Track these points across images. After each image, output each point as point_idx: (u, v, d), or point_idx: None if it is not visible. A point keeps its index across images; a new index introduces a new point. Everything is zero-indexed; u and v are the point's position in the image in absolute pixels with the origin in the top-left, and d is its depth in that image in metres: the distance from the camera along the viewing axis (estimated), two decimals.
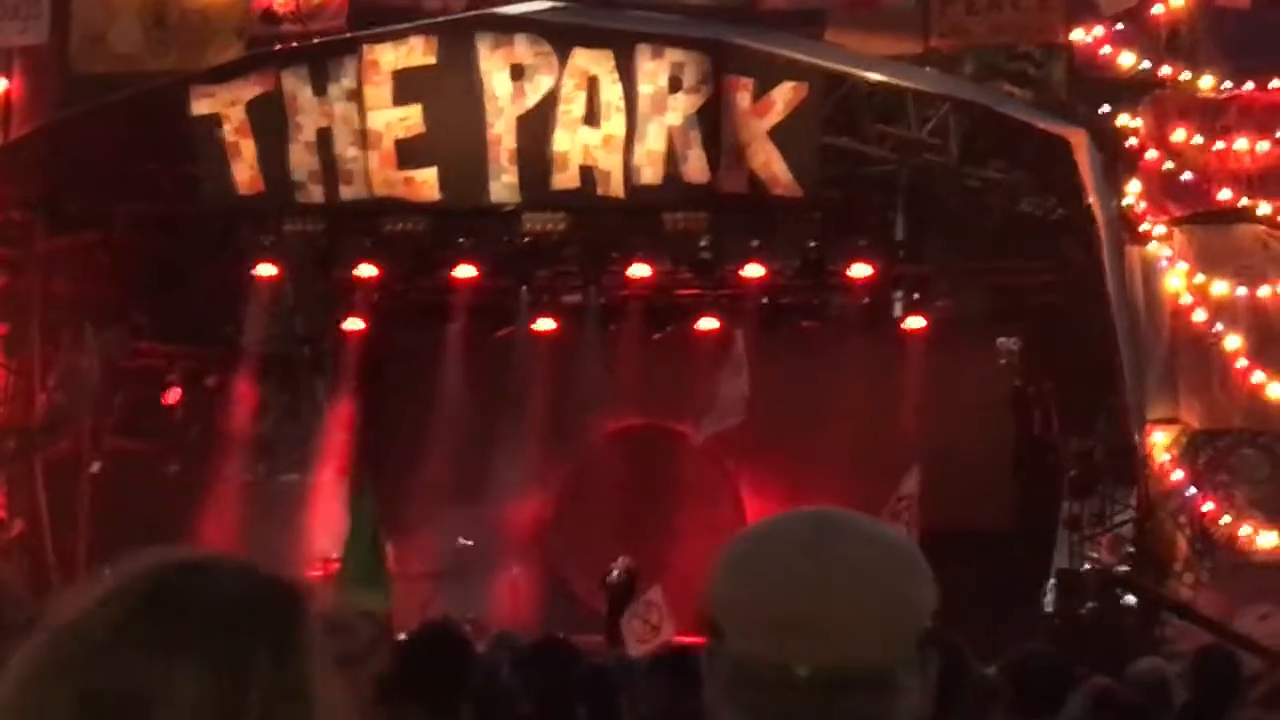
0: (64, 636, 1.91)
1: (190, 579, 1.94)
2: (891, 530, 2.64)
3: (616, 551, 22.70)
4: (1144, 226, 22.51)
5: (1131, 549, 22.21)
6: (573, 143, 21.50)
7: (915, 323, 23.32)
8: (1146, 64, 22.62)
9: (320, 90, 21.96)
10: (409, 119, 21.70)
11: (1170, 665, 11.79)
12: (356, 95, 21.80)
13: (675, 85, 21.26)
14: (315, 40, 23.26)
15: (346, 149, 21.87)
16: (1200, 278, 22.38)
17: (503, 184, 21.69)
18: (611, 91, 21.38)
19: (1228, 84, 22.56)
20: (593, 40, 21.63)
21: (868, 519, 2.62)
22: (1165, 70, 22.60)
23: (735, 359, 23.43)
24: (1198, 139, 22.45)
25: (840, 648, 2.42)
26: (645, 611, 21.56)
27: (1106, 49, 22.73)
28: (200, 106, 22.19)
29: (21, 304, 23.53)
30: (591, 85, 21.42)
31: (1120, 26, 22.72)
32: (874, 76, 21.81)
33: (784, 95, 20.95)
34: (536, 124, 21.50)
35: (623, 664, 12.47)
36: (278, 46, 23.43)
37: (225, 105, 22.14)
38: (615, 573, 22.37)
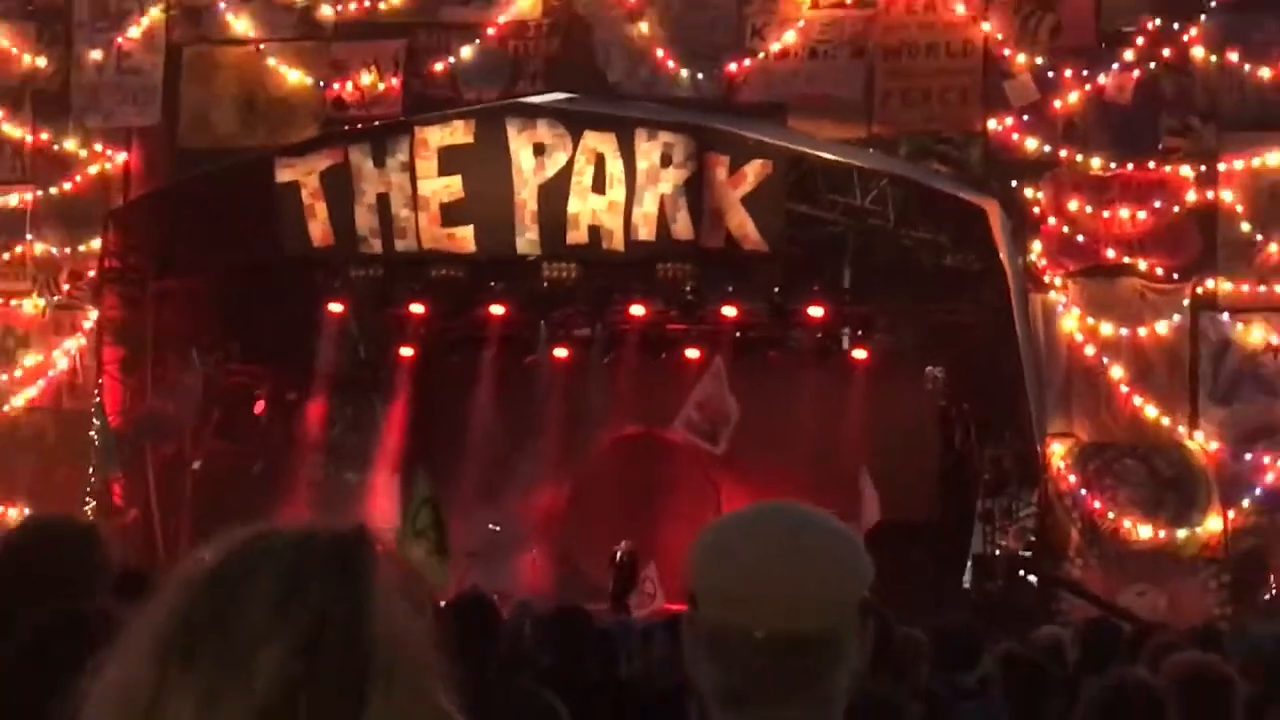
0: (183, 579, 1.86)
1: (261, 534, 1.90)
2: (833, 520, 2.58)
3: (618, 536, 22.67)
4: (1045, 278, 22.65)
5: (1033, 538, 22.28)
6: (583, 206, 21.61)
7: (859, 354, 23.36)
8: (1047, 147, 22.72)
9: (380, 163, 22.06)
10: (451, 186, 21.83)
11: (1064, 631, 11.92)
12: (409, 167, 21.91)
13: (666, 161, 21.36)
14: (376, 123, 23.42)
15: (400, 210, 21.96)
16: (1090, 320, 22.51)
17: (526, 239, 21.82)
18: (615, 166, 21.51)
19: (1112, 164, 22.63)
20: (600, 124, 21.79)
21: (815, 510, 2.61)
22: (1062, 153, 22.70)
23: (714, 370, 23.55)
24: (1088, 208, 22.57)
25: (791, 615, 2.40)
26: (643, 584, 21.72)
27: (1015, 135, 22.87)
28: (283, 175, 22.27)
29: (136, 334, 23.64)
30: (599, 160, 21.54)
31: (1026, 117, 22.82)
32: (826, 156, 22.00)
33: (754, 170, 21.12)
34: (554, 191, 21.60)
35: (623, 627, 12.56)
36: (346, 127, 23.58)
37: (303, 174, 22.25)
38: (619, 554, 22.37)
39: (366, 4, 24.57)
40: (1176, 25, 22.50)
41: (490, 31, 24.29)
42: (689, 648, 2.50)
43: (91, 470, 23.75)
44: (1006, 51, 22.97)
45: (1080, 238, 22.56)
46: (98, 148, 25.25)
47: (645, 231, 21.41)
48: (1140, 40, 22.57)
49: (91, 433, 23.81)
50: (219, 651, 1.75)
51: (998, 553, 22.41)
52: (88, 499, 23.50)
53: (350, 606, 1.81)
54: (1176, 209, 22.45)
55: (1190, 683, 5.49)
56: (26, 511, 23.91)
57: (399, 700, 1.81)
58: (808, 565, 2.45)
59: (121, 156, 25.22)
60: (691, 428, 23.66)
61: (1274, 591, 21.47)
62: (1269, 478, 21.99)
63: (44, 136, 25.42)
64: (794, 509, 2.61)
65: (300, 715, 1.73)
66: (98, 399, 23.85)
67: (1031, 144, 22.74)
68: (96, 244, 24.24)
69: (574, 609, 10.84)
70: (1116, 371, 22.34)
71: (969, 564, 22.21)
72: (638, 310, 23.35)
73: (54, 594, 3.56)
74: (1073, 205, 22.58)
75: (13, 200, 25.47)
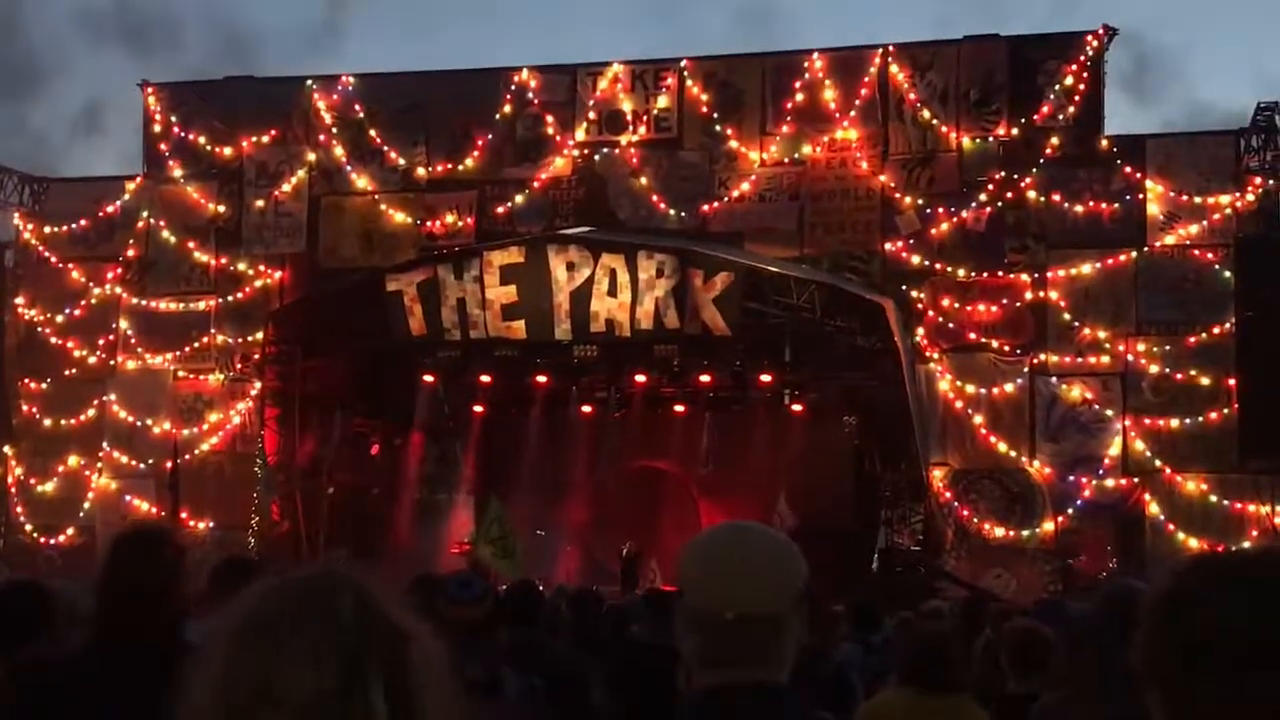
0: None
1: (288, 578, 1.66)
2: (773, 531, 2.63)
3: (626, 539, 22.54)
4: (927, 354, 22.68)
5: (921, 537, 22.17)
6: (601, 306, 21.54)
7: (797, 408, 23.24)
8: (927, 262, 22.83)
9: (459, 276, 22.02)
10: (509, 292, 21.79)
11: (944, 604, 11.79)
12: (479, 279, 21.87)
13: (660, 273, 21.36)
14: (456, 249, 23.44)
15: (473, 309, 21.88)
16: (958, 383, 22.54)
17: (562, 329, 21.74)
18: (623, 277, 21.49)
19: (972, 274, 22.67)
20: (613, 249, 21.80)
21: (765, 526, 2.63)
22: (938, 266, 22.78)
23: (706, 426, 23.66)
24: (956, 304, 22.66)
25: (751, 601, 2.40)
26: (648, 572, 21.56)
27: (904, 253, 22.93)
28: (391, 285, 22.28)
29: (288, 398, 23.51)
30: (612, 274, 21.51)
31: (912, 241, 22.93)
32: (771, 269, 21.96)
33: (721, 279, 21.13)
34: (581, 295, 21.55)
35: (631, 604, 12.45)
36: (435, 252, 23.61)
37: (405, 285, 22.23)
38: (625, 551, 22.22)
39: (449, 166, 24.70)
40: (1016, 176, 22.62)
41: (536, 184, 24.45)
42: (678, 625, 2.48)
43: (255, 495, 23.73)
44: (897, 195, 23.08)
45: (951, 325, 22.64)
46: (261, 268, 25.33)
47: (645, 323, 21.35)
48: (991, 187, 22.70)
49: (255, 469, 23.81)
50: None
51: (896, 548, 22.32)
52: (254, 516, 23.45)
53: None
54: (1018, 304, 22.53)
55: (1021, 639, 5.51)
56: (212, 525, 23.96)
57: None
58: (761, 565, 2.46)
59: (278, 274, 25.30)
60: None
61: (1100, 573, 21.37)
62: (1086, 493, 21.96)
63: (223, 260, 25.50)
64: (750, 526, 2.60)
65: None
66: (260, 445, 23.80)
67: (916, 259, 22.84)
68: (260, 335, 24.24)
69: (593, 591, 10.75)
70: (977, 419, 22.36)
71: (875, 556, 22.08)
72: (640, 378, 23.19)
73: (153, 587, 3.37)
74: (945, 302, 22.68)
75: (201, 305, 25.53)
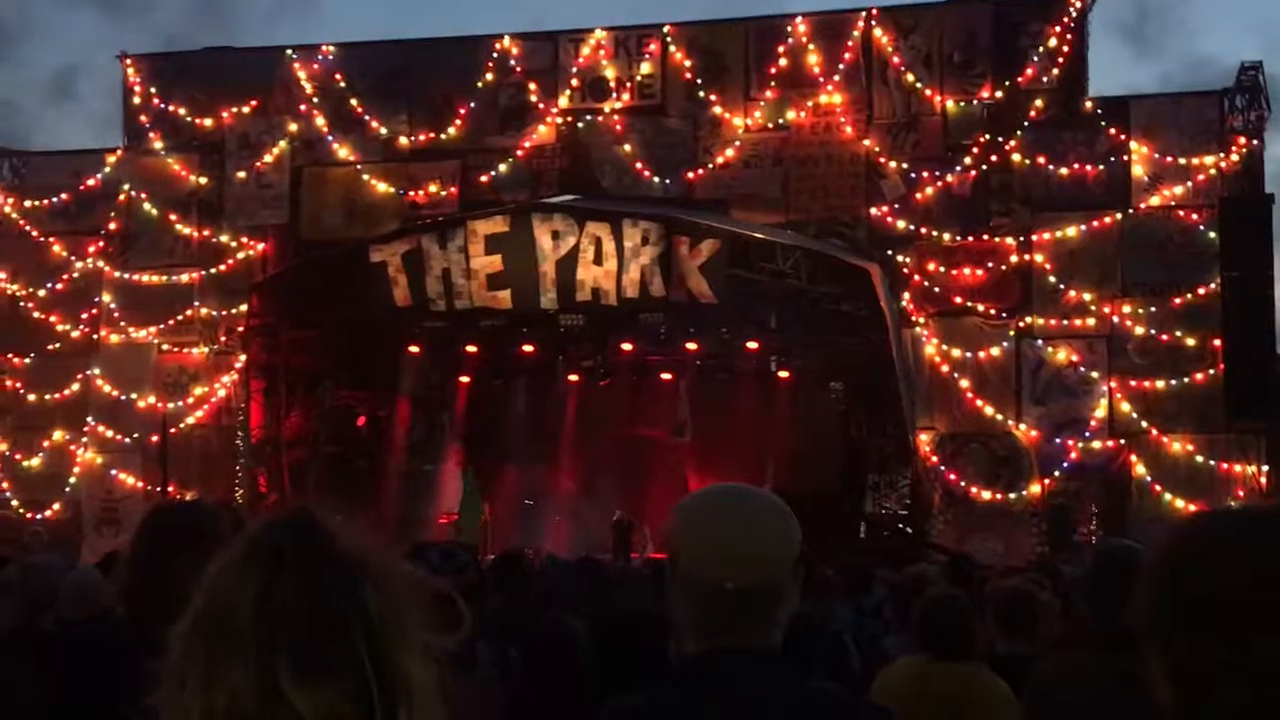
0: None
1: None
2: (774, 496, 2.52)
3: (615, 507, 22.59)
4: (913, 319, 22.65)
5: (908, 501, 22.20)
6: (587, 274, 21.33)
7: (783, 375, 23.12)
8: (912, 227, 22.79)
9: (443, 246, 21.79)
10: (494, 262, 21.57)
11: (930, 567, 11.82)
12: (464, 249, 21.63)
13: (645, 241, 21.19)
14: (440, 218, 23.28)
15: (458, 279, 21.66)
16: (944, 347, 22.52)
17: (548, 298, 21.55)
18: (609, 245, 21.28)
19: (957, 238, 22.66)
20: (597, 217, 21.61)
21: (760, 490, 2.55)
22: (923, 230, 22.75)
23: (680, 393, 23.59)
24: (941, 269, 22.63)
25: (751, 571, 2.35)
26: (640, 540, 21.61)
27: (889, 218, 22.90)
28: (375, 256, 22.06)
29: (272, 371, 23.47)
30: (597, 242, 21.32)
31: (897, 206, 22.89)
32: (757, 235, 21.84)
33: (707, 246, 20.96)
34: (566, 264, 21.36)
35: (621, 570, 12.46)
36: (418, 222, 23.44)
37: (389, 255, 22.02)
38: (616, 519, 22.25)
39: (432, 135, 24.57)
40: (1001, 139, 22.56)
41: (519, 153, 24.33)
42: (670, 594, 2.43)
43: (238, 468, 23.68)
44: (882, 160, 23.03)
45: (936, 289, 22.60)
46: (244, 240, 25.20)
47: (631, 291, 21.19)
48: (975, 150, 22.64)
49: (237, 441, 23.75)
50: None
51: (883, 512, 22.36)
52: (238, 487, 23.42)
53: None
54: (1003, 268, 22.51)
55: (1009, 600, 5.50)
56: (198, 498, 23.90)
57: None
58: (760, 533, 2.39)
59: (260, 246, 25.18)
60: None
61: (1080, 535, 21.45)
62: (1072, 455, 22.01)
63: (205, 233, 25.37)
64: (743, 488, 2.53)
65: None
66: (243, 418, 23.74)
67: (901, 224, 22.80)
68: (244, 308, 24.08)
69: (586, 558, 10.75)
70: (964, 383, 22.36)
71: (862, 523, 22.11)
72: (627, 346, 23.13)
73: (189, 559, 3.32)
74: (931, 267, 22.63)
75: (184, 278, 25.39)
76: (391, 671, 1.57)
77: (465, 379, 24.45)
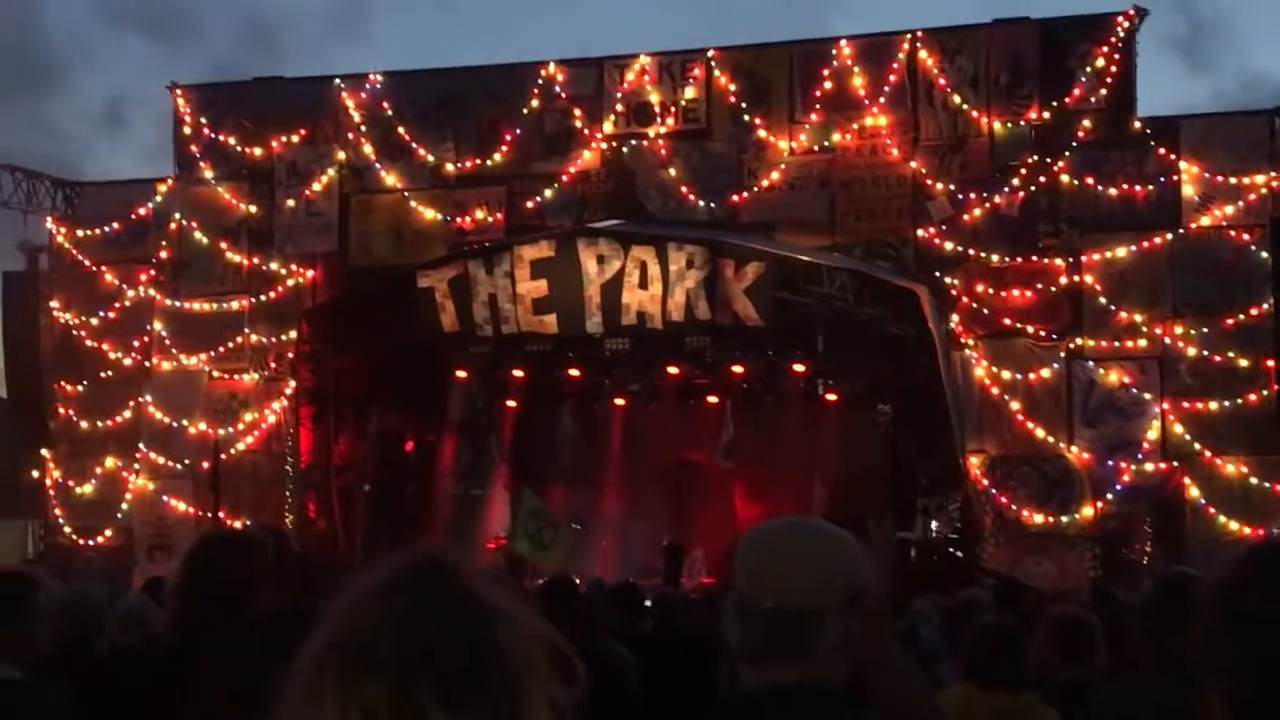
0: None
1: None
2: (837, 529, 2.54)
3: (662, 532, 22.51)
4: (962, 340, 22.49)
5: (958, 525, 21.89)
6: (632, 298, 21.29)
7: (831, 397, 22.98)
8: (960, 248, 22.63)
9: (489, 272, 21.80)
10: (540, 287, 21.56)
11: (982, 593, 11.70)
12: (510, 274, 21.63)
13: (690, 264, 21.12)
14: (486, 244, 23.35)
15: (505, 304, 21.64)
16: (994, 369, 22.36)
17: (593, 322, 21.52)
18: (654, 269, 21.24)
19: (1006, 259, 22.51)
20: (643, 241, 21.55)
21: (820, 522, 2.58)
22: (970, 251, 22.61)
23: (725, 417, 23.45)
24: (990, 290, 22.46)
25: (789, 592, 2.37)
26: (692, 563, 21.48)
27: (937, 240, 22.78)
28: (422, 282, 22.08)
29: (322, 397, 23.51)
30: (643, 266, 21.27)
31: (944, 227, 22.75)
32: (803, 258, 21.71)
33: (752, 269, 20.85)
34: (612, 288, 21.32)
35: (670, 596, 12.41)
36: (465, 248, 23.53)
37: (436, 281, 22.04)
38: (665, 543, 22.14)
39: (478, 162, 24.71)
40: (1048, 160, 22.43)
41: (565, 178, 24.42)
42: (724, 614, 2.49)
43: (288, 494, 23.80)
44: (929, 181, 22.92)
45: (985, 311, 22.41)
46: (293, 267, 25.39)
47: (677, 314, 21.10)
48: (1023, 171, 22.50)
49: (287, 467, 23.89)
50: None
51: (934, 536, 22.16)
52: (288, 513, 23.54)
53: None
54: (1053, 289, 22.33)
55: (1067, 626, 5.41)
56: (249, 522, 24.04)
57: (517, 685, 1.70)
58: (806, 558, 2.44)
59: (310, 273, 25.34)
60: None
61: (1135, 558, 21.20)
62: (1125, 478, 21.77)
63: (255, 261, 25.57)
64: (811, 523, 2.58)
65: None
66: (292, 444, 23.87)
67: (949, 245, 22.65)
68: (293, 334, 24.25)
69: (634, 585, 10.71)
70: (1014, 405, 22.18)
71: (913, 549, 21.90)
72: (673, 370, 23.07)
73: (237, 589, 3.33)
74: (979, 288, 22.46)
75: (234, 305, 25.61)
76: (521, 713, 1.66)
77: (512, 403, 24.47)
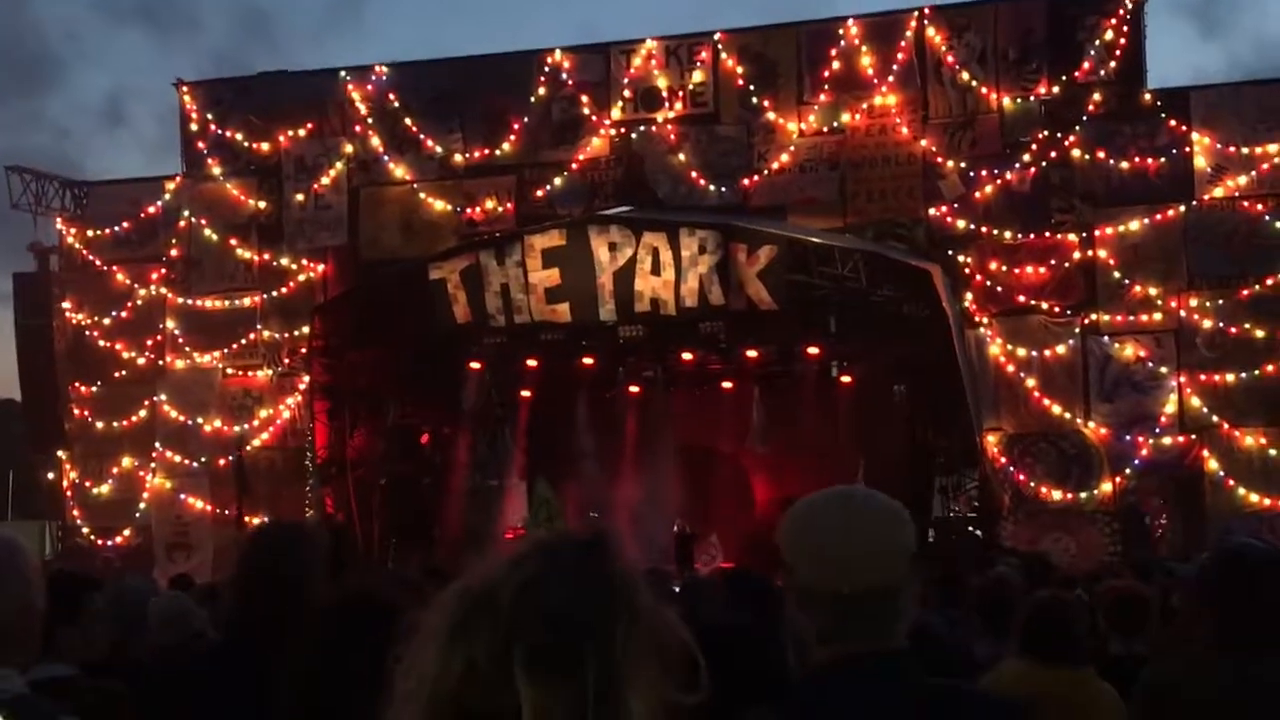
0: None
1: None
2: (886, 497, 2.50)
3: (679, 517, 22.48)
4: (975, 319, 22.45)
5: (977, 504, 21.90)
6: (645, 285, 21.22)
7: (845, 379, 22.90)
8: (972, 226, 22.58)
9: (501, 262, 21.73)
10: (552, 276, 21.49)
11: (1010, 570, 11.66)
12: (521, 264, 21.52)
13: (702, 249, 21.05)
14: (497, 234, 23.30)
15: (517, 294, 21.59)
16: (1009, 346, 22.32)
17: (606, 310, 21.45)
18: (666, 255, 21.15)
19: (1018, 235, 22.45)
20: (654, 227, 21.46)
21: (870, 491, 2.51)
22: (983, 229, 22.55)
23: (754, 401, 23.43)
24: (1003, 268, 22.42)
25: (867, 576, 2.34)
26: (709, 549, 21.47)
27: (949, 218, 22.73)
28: (434, 274, 22.03)
29: (336, 392, 23.45)
30: (654, 252, 21.19)
31: (956, 205, 22.70)
32: (815, 240, 21.61)
33: (765, 253, 20.78)
34: (624, 275, 21.26)
35: (693, 581, 12.38)
36: (476, 239, 23.47)
37: (448, 273, 21.97)
38: (677, 528, 22.14)
39: (487, 152, 24.67)
40: (1059, 134, 22.35)
41: (574, 166, 24.38)
42: (790, 602, 2.44)
43: (307, 488, 23.82)
44: (939, 160, 22.86)
45: (999, 289, 22.38)
46: (304, 262, 25.38)
47: (690, 300, 21.05)
48: (1034, 147, 22.43)
49: (305, 462, 23.90)
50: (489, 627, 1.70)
51: (952, 515, 22.14)
52: (307, 508, 23.56)
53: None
54: (1066, 265, 22.29)
55: (1121, 600, 5.37)
56: (266, 519, 24.09)
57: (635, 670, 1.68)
58: (873, 536, 2.39)
59: (320, 268, 25.35)
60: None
61: (1157, 532, 21.20)
62: (1143, 452, 21.75)
63: (266, 256, 25.58)
64: (851, 493, 2.51)
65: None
66: (310, 438, 23.87)
67: (961, 224, 22.60)
68: (306, 330, 24.21)
69: (654, 569, 10.71)
70: (1030, 382, 22.14)
71: (930, 527, 21.89)
72: (687, 356, 22.98)
73: (297, 584, 3.33)
74: (992, 266, 22.41)
75: (246, 302, 25.64)
76: (616, 704, 1.63)
77: (526, 393, 24.42)
